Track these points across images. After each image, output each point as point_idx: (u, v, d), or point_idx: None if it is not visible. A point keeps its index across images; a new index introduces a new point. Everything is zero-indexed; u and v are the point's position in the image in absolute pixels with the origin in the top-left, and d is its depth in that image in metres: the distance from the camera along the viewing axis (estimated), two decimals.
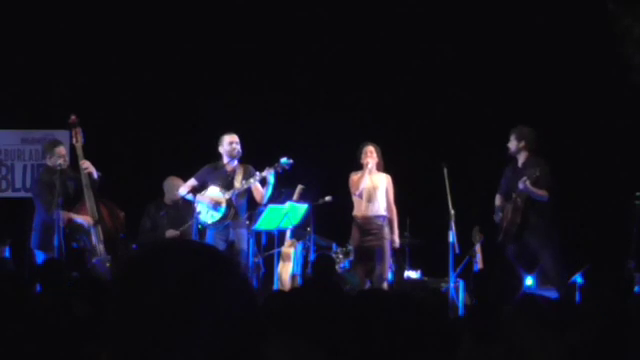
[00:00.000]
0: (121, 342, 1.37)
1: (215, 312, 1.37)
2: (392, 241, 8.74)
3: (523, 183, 8.13)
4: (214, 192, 8.48)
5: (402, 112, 10.69)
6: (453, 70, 10.58)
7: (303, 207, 9.06)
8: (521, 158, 8.47)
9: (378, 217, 8.70)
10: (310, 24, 10.69)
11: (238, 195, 8.47)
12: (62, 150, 8.24)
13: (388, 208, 8.77)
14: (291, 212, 8.90)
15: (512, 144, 8.46)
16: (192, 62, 10.78)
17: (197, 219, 8.53)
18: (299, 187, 9.17)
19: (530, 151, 8.43)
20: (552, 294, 7.30)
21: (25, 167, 10.94)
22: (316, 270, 7.26)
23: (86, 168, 8.05)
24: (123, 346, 1.37)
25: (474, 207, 9.11)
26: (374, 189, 8.71)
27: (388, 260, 8.70)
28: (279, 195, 8.87)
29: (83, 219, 8.03)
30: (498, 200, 8.67)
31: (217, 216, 8.46)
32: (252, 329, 1.42)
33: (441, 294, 7.63)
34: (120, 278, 1.44)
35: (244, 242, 8.51)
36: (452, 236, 8.47)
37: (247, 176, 8.50)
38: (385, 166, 8.88)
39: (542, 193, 8.19)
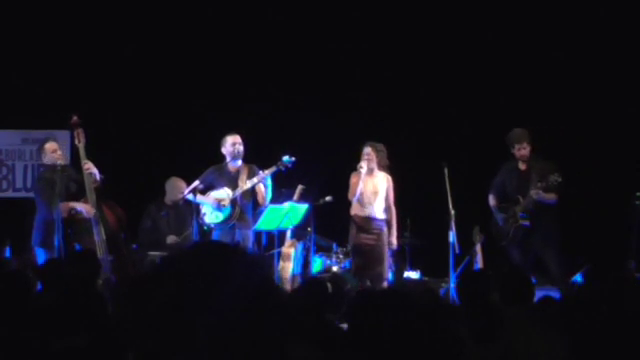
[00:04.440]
0: (142, 341, 1.40)
1: (214, 314, 1.39)
2: (389, 243, 8.65)
3: (537, 195, 8.21)
4: (218, 192, 8.50)
5: (402, 112, 10.69)
6: (454, 70, 10.58)
7: (303, 207, 9.06)
8: (524, 160, 8.51)
9: (376, 219, 8.62)
10: (312, 23, 10.69)
11: (243, 195, 8.48)
12: (52, 145, 8.21)
13: (387, 210, 8.70)
14: (291, 212, 8.91)
15: (527, 150, 8.48)
16: (193, 61, 10.78)
17: (203, 220, 8.55)
18: (299, 187, 9.16)
19: (531, 152, 8.51)
20: (553, 294, 7.31)
21: (26, 167, 10.95)
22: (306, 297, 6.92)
23: (88, 169, 8.06)
24: (145, 345, 1.39)
25: (474, 207, 9.11)
26: (373, 193, 8.60)
27: (387, 260, 8.66)
28: (279, 195, 8.87)
29: (83, 207, 8.02)
30: (492, 200, 8.72)
31: (221, 217, 8.48)
32: (264, 327, 1.43)
33: (434, 293, 7.60)
34: (135, 284, 1.47)
35: (250, 242, 8.53)
36: (452, 236, 8.47)
37: (251, 175, 8.51)
38: (390, 165, 8.76)
39: (552, 197, 8.31)
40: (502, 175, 8.73)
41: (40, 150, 8.33)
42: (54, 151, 8.15)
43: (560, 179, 8.13)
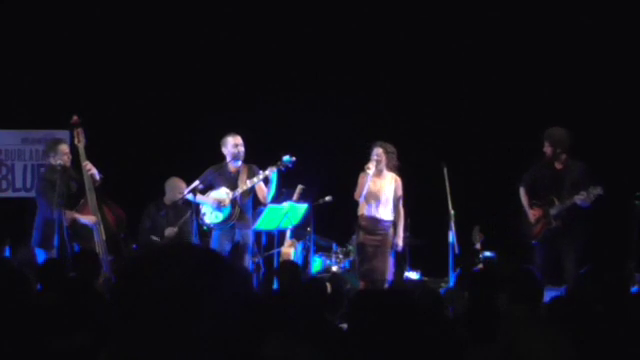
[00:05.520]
0: (123, 344, 1.39)
1: (213, 313, 1.39)
2: (395, 244, 8.63)
3: (582, 201, 8.20)
4: (218, 192, 8.50)
5: (402, 112, 10.69)
6: (454, 70, 10.58)
7: (303, 207, 9.06)
8: (559, 160, 8.48)
9: (383, 221, 8.59)
10: (312, 24, 10.69)
11: (242, 195, 8.47)
12: (65, 148, 8.26)
13: (394, 211, 8.65)
14: (291, 212, 8.91)
15: (549, 150, 8.45)
16: (193, 61, 10.78)
17: (202, 220, 8.54)
18: (299, 187, 9.17)
19: (567, 153, 8.46)
20: (558, 294, 7.32)
21: (25, 167, 10.94)
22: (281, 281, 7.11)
23: (89, 169, 8.07)
24: (125, 348, 1.39)
25: (474, 207, 9.11)
26: (380, 193, 8.57)
27: (390, 261, 8.63)
28: (279, 195, 8.87)
29: (87, 219, 8.05)
30: (524, 196, 8.64)
31: (221, 217, 8.47)
32: (251, 328, 1.43)
33: (435, 293, 7.59)
34: (120, 284, 1.46)
35: (250, 242, 8.52)
36: (452, 236, 8.47)
37: (251, 175, 8.50)
38: (399, 166, 8.71)
39: (589, 201, 8.29)
40: (534, 171, 8.66)
41: (52, 148, 8.28)
42: (66, 154, 8.18)
43: (602, 192, 8.14)
